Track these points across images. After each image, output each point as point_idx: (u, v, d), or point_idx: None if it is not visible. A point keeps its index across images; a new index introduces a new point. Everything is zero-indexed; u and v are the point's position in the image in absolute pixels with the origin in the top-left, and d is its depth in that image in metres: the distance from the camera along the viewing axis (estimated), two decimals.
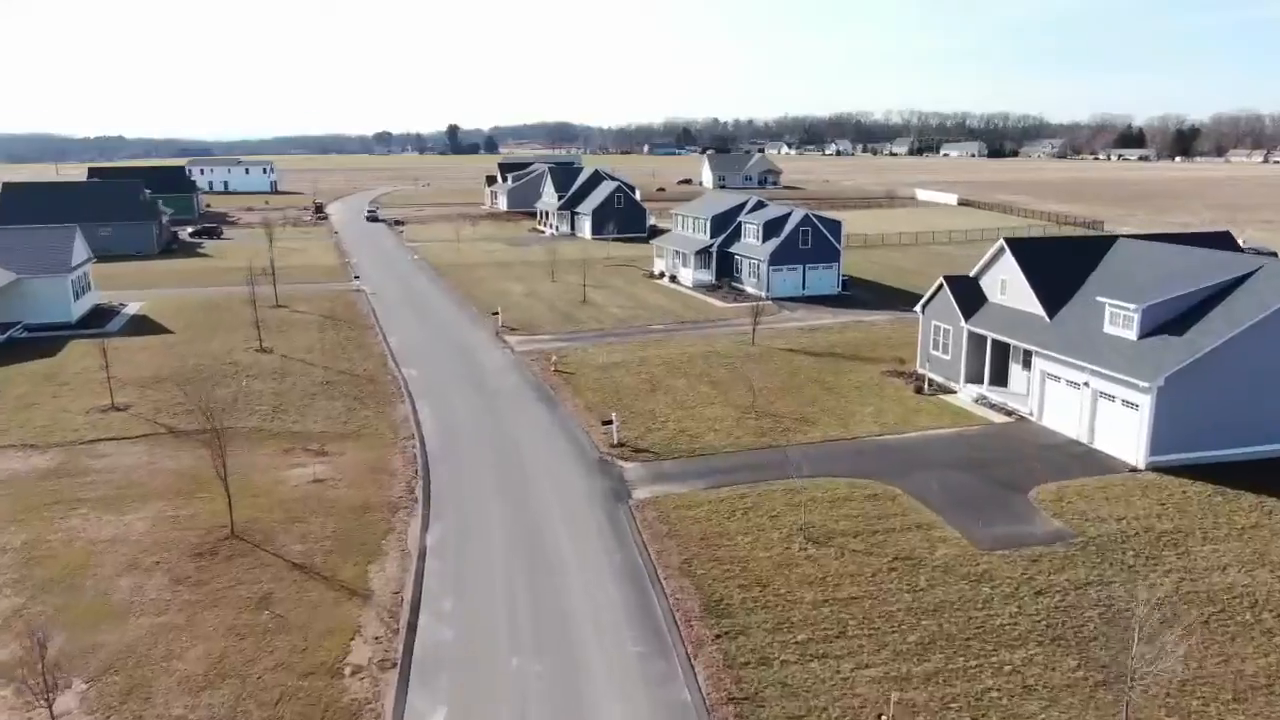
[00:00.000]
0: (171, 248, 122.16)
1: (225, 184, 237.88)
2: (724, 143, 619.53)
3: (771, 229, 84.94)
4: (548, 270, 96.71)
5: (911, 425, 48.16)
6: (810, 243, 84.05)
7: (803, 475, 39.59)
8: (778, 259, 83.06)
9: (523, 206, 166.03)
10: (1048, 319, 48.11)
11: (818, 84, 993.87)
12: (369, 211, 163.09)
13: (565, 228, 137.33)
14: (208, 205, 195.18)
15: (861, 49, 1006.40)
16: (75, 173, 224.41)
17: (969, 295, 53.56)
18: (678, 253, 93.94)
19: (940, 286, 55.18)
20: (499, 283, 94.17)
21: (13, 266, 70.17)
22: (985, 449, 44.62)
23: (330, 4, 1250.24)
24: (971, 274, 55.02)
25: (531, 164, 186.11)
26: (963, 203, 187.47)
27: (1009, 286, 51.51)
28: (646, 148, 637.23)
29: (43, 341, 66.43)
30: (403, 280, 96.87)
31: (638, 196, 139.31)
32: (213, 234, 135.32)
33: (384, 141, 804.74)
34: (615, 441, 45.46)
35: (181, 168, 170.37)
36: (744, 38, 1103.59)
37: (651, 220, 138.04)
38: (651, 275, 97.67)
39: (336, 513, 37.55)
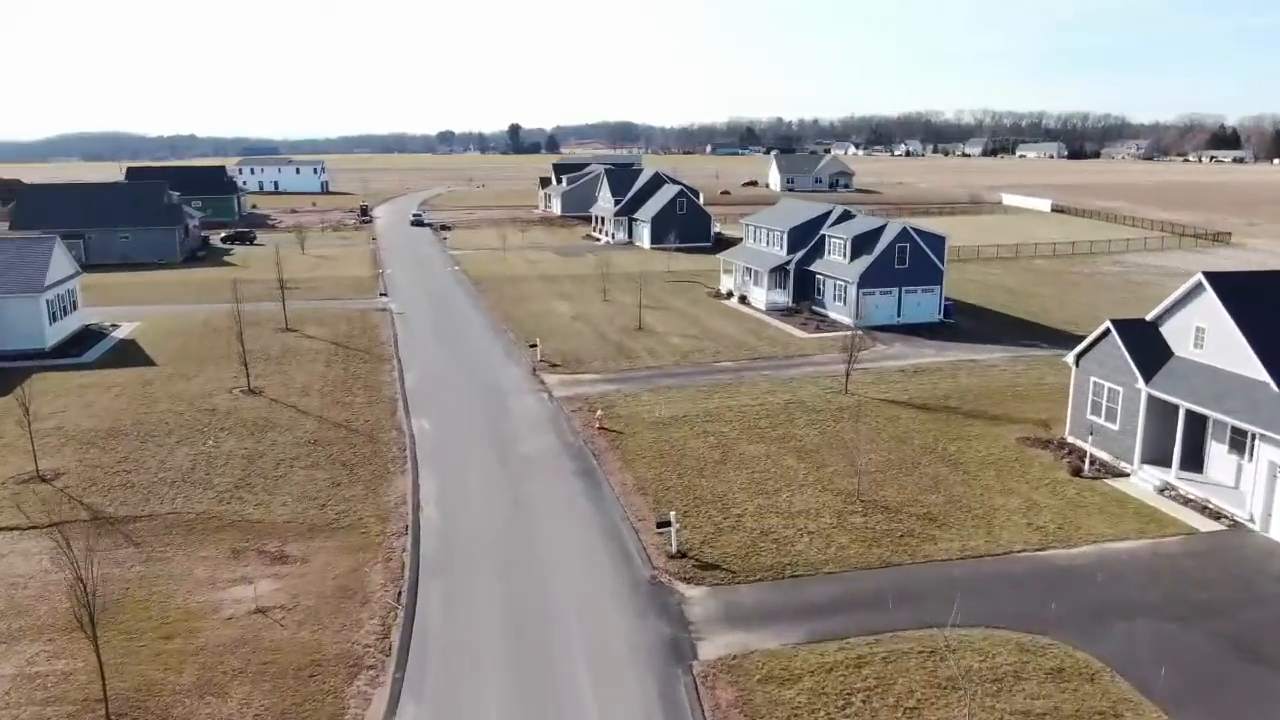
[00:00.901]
0: (198, 255, 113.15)
1: (275, 184, 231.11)
2: (788, 143, 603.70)
3: (862, 245, 71.97)
4: (599, 286, 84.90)
5: (1081, 532, 35.13)
6: (908, 261, 70.92)
7: (949, 626, 26.99)
8: (869, 280, 70.08)
9: (577, 211, 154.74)
10: (1275, 387, 34.71)
11: (885, 83, 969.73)
12: (414, 216, 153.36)
13: (622, 235, 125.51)
14: (254, 206, 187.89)
15: (930, 47, 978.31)
16: (113, 172, 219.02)
17: (1148, 347, 40.26)
18: (749, 270, 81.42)
19: (1106, 333, 41.93)
20: (544, 300, 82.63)
21: None
22: (1202, 579, 31.48)
23: (395, 4, 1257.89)
24: (1149, 317, 41.66)
25: (588, 165, 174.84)
26: (1056, 209, 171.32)
27: (1209, 338, 38.16)
28: (709, 148, 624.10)
29: (3, 374, 56.55)
30: (437, 297, 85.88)
31: (701, 201, 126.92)
32: (245, 239, 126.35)
33: (446, 141, 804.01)
34: (674, 550, 33.32)
35: (222, 168, 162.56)
36: (809, 35, 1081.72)
37: (716, 227, 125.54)
38: (717, 294, 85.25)
39: (271, 676, 26.01)
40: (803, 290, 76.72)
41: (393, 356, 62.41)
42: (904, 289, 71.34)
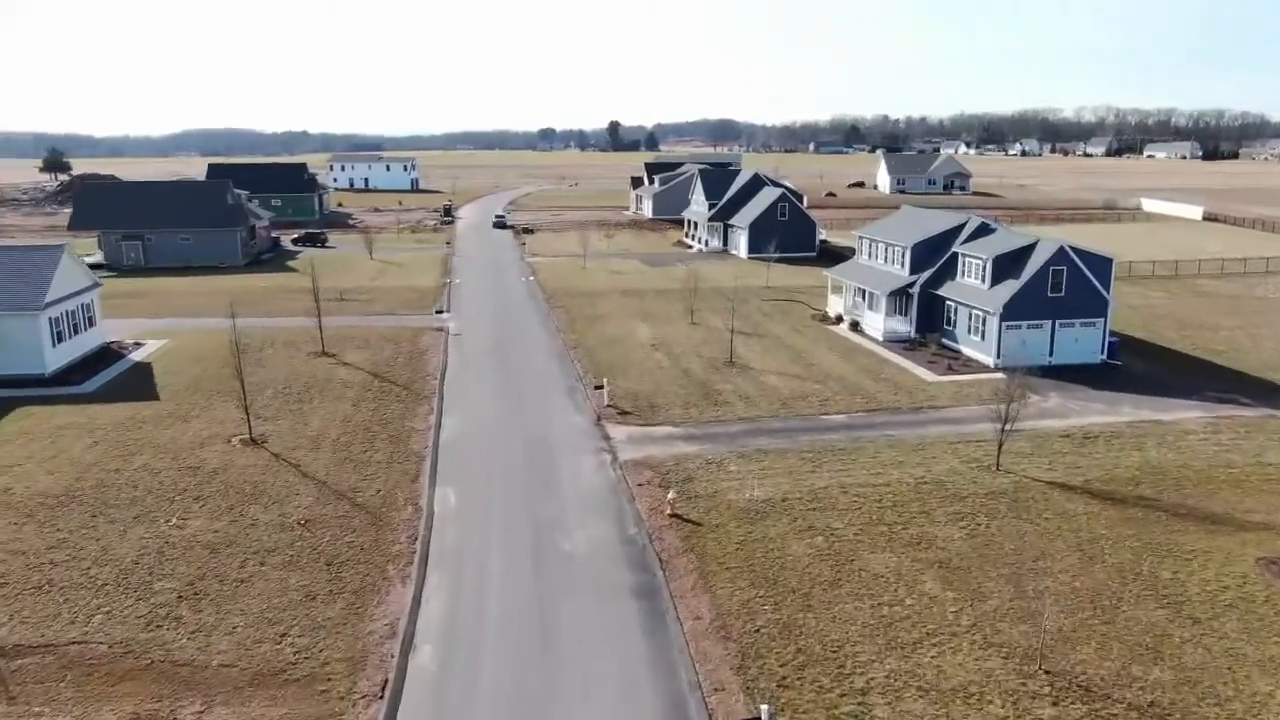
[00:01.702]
0: (262, 258, 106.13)
1: (366, 181, 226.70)
2: (894, 141, 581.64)
3: (1006, 266, 58.89)
4: (687, 305, 73.54)
5: None
6: (1065, 288, 57.53)
7: None
8: (1014, 311, 57.01)
9: (669, 214, 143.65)
10: None
11: (997, 79, 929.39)
12: (497, 217, 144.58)
13: (716, 242, 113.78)
14: (339, 204, 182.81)
15: (1047, 41, 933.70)
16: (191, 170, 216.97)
17: None
18: (863, 291, 68.97)
19: None
20: (622, 321, 71.77)
21: None
22: None
23: (500, 2, 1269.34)
24: None
25: (682, 164, 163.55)
26: (1208, 217, 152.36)
27: None
28: (812, 146, 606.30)
29: None
30: (502, 314, 75.88)
31: (804, 205, 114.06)
32: (316, 241, 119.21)
33: (547, 138, 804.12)
34: None
35: (303, 165, 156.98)
36: (916, 30, 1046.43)
37: (822, 235, 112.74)
38: (824, 318, 72.94)
39: None
40: (928, 318, 63.96)
41: (434, 394, 52.35)
42: (1058, 322, 57.97)
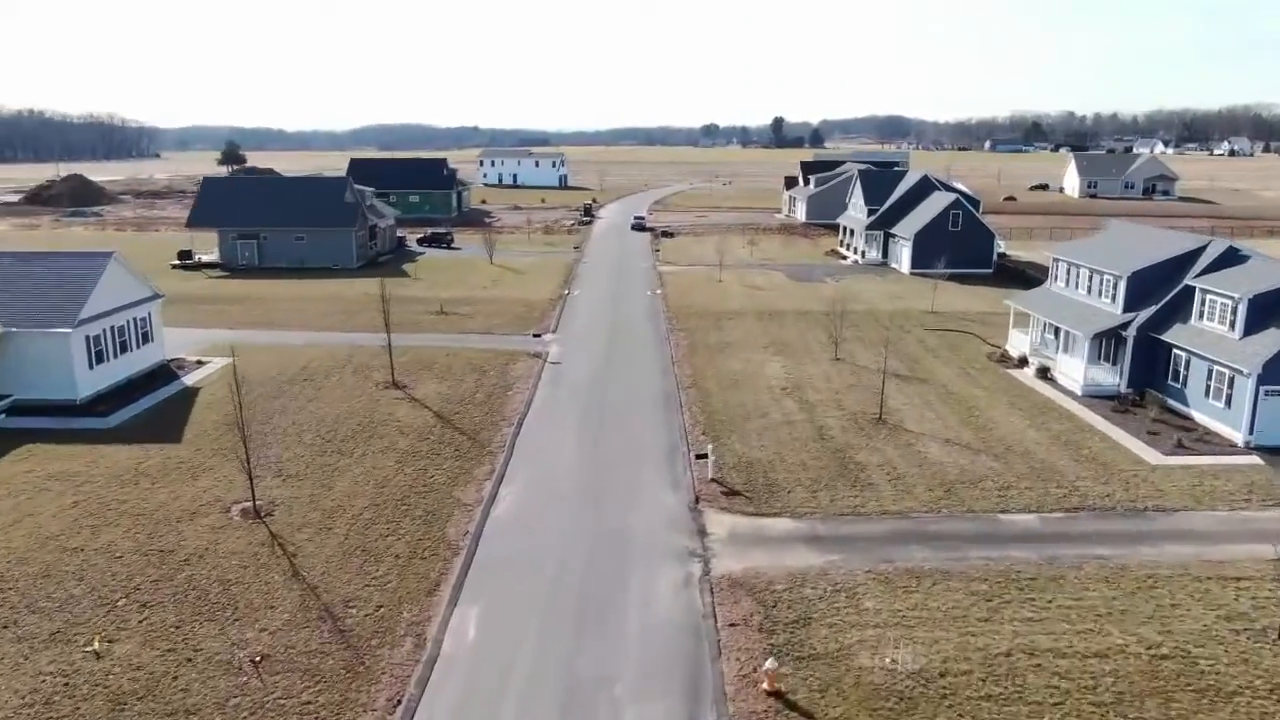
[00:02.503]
0: (380, 260, 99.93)
1: (514, 177, 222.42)
2: (1080, 139, 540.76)
3: (1267, 309, 43.71)
4: (833, 332, 60.87)
5: None
6: None
7: None
8: (1279, 371, 41.95)
9: (825, 218, 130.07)
10: None
11: (1198, 73, 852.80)
12: (636, 219, 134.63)
13: (874, 254, 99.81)
14: (483, 201, 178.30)
15: (1260, 30, 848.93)
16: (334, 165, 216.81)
17: None
18: (1055, 329, 54.71)
19: None
20: (752, 352, 60.01)
21: (3, 312, 46.75)
22: None
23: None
24: None
25: (842, 164, 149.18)
26: None
27: None
28: (987, 143, 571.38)
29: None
30: (614, 337, 65.48)
31: (981, 212, 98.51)
32: (442, 242, 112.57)
33: (710, 134, 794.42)
34: None
35: (442, 160, 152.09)
36: (1104, 20, 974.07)
37: (1000, 246, 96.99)
38: (1003, 357, 58.88)
39: None
40: (1146, 370, 49.22)
41: (502, 449, 42.33)
42: None
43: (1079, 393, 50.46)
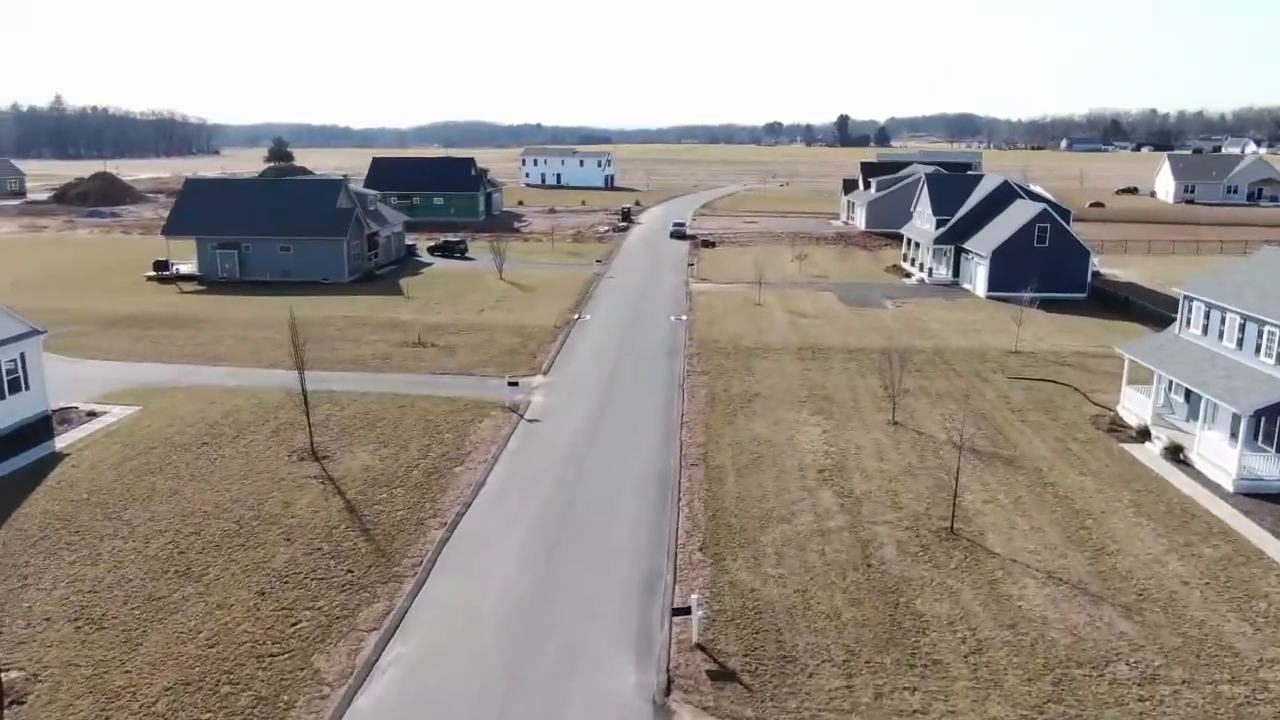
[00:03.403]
0: (378, 273, 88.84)
1: (558, 177, 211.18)
2: (1164, 138, 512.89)
3: None
4: (892, 382, 47.48)
5: None
6: None
7: None
8: None
9: (887, 226, 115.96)
10: None
11: None
12: (676, 225, 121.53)
13: (943, 272, 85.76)
14: (520, 202, 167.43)
15: None
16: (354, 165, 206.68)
17: None
18: (1186, 391, 40.83)
19: None
20: (782, 411, 47.01)
21: None
22: None
23: None
24: None
25: (908, 165, 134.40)
26: None
27: None
28: (1064, 143, 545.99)
29: None
30: (619, 381, 53.01)
31: (1071, 225, 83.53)
32: (454, 251, 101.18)
33: (773, 132, 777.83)
34: None
35: (470, 160, 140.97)
36: (1188, 8, 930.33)
37: (1094, 263, 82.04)
38: (1113, 425, 44.92)
39: None
40: None
41: (415, 570, 30.25)
42: None
43: (1230, 488, 36.63)
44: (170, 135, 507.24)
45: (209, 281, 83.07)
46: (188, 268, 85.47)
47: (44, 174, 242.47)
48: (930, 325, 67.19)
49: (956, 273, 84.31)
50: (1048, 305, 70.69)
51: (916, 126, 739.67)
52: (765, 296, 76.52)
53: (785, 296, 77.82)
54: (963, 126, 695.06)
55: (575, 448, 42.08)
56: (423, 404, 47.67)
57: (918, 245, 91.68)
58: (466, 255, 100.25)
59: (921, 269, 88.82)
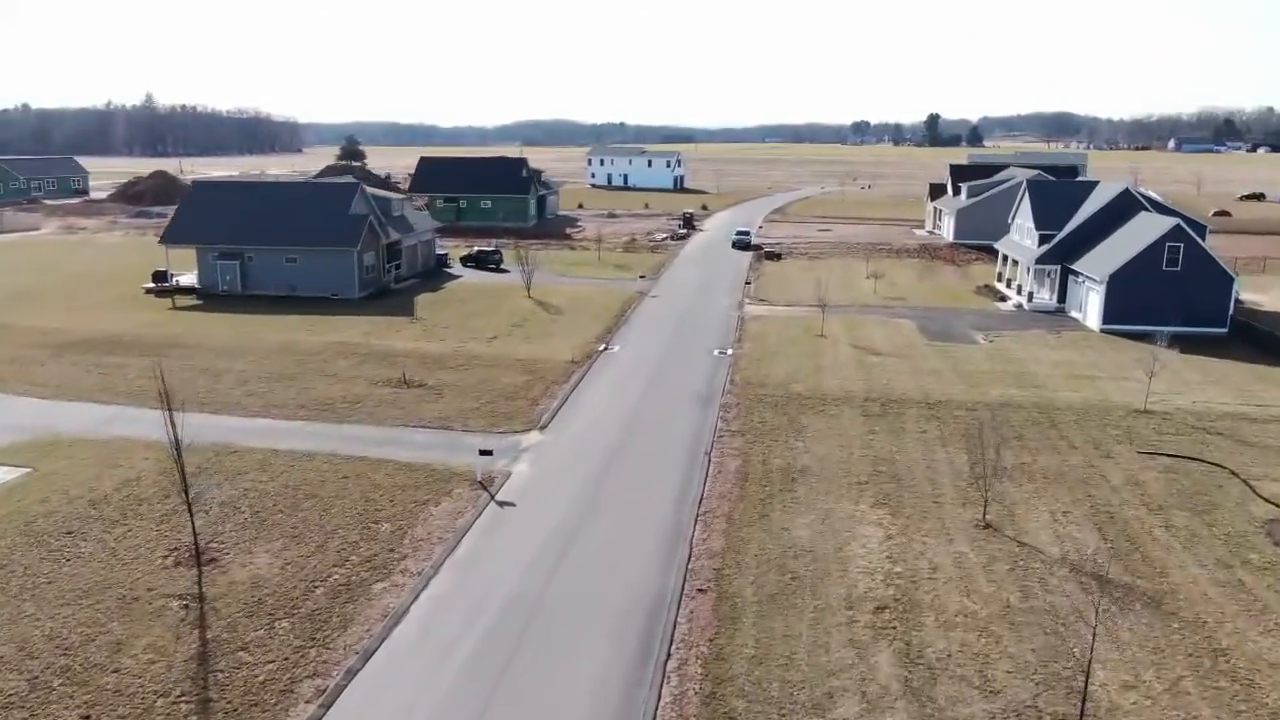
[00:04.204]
0: (395, 286, 79.61)
1: (625, 178, 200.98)
2: None
3: None
4: (983, 458, 35.47)
5: None
6: None
7: None
8: None
9: (979, 238, 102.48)
10: None
11: None
12: (738, 234, 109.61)
13: (1046, 296, 72.49)
14: (579, 205, 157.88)
15: None
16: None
17: None
18: None
19: None
20: (834, 499, 35.48)
21: None
22: None
23: None
24: None
25: (1004, 168, 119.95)
26: None
27: None
28: (1172, 143, 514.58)
29: None
30: (624, 451, 41.95)
31: (1207, 243, 69.17)
32: (487, 262, 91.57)
33: (859, 131, 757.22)
34: None
35: (520, 161, 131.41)
36: None
37: (1235, 291, 67.59)
38: None
39: None
40: None
41: None
42: None
43: None
44: (255, 133, 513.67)
45: (209, 295, 74.92)
46: (188, 279, 77.49)
47: (127, 171, 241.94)
48: (1031, 368, 54.58)
49: (1062, 298, 71.00)
50: (1185, 345, 57.13)
51: (1011, 126, 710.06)
52: (830, 324, 64.73)
53: (854, 325, 65.86)
54: (1060, 126, 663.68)
55: (547, 552, 31.37)
56: (373, 472, 37.59)
57: (1015, 263, 78.42)
58: (501, 267, 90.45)
59: (1019, 292, 75.60)
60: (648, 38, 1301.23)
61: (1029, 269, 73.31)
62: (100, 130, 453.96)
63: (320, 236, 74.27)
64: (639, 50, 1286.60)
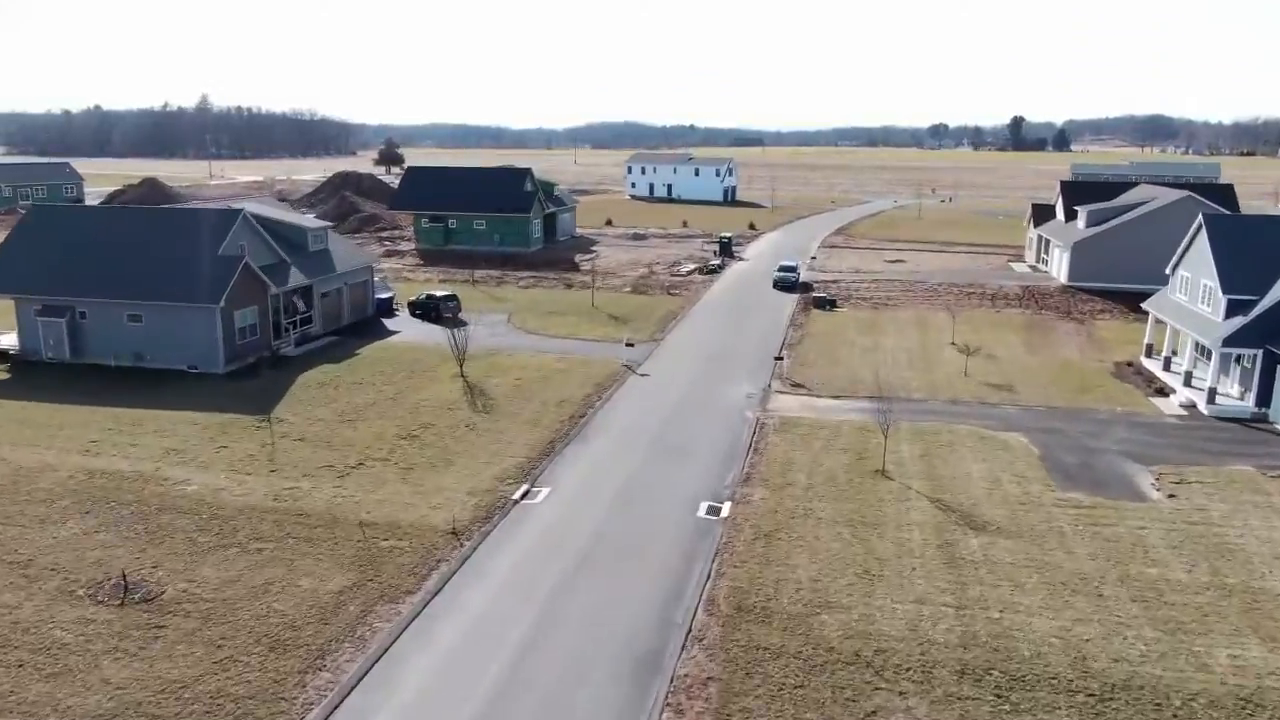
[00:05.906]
0: (284, 354, 57.74)
1: (669, 188, 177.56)
2: None
3: None
4: None
5: None
6: None
7: None
8: None
9: (1103, 280, 76.80)
10: None
11: None
12: (782, 270, 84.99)
13: (1235, 392, 47.30)
14: (608, 222, 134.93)
15: None
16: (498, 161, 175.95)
17: None
18: None
19: None
20: None
21: None
22: None
23: None
24: None
25: (1126, 187, 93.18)
26: None
27: None
28: None
29: None
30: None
31: None
32: (443, 312, 68.80)
33: (937, 134, 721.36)
34: None
35: (524, 173, 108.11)
36: None
37: None
38: None
39: None
40: None
41: None
42: None
43: None
44: (308, 135, 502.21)
45: (29, 364, 54.18)
46: (9, 340, 56.81)
47: (179, 174, 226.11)
48: (1256, 563, 30.08)
49: (1265, 400, 45.78)
50: None
51: (1099, 129, 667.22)
52: (898, 443, 40.80)
53: (935, 446, 41.70)
54: (1154, 129, 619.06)
55: None
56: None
57: (1186, 340, 53.14)
58: (458, 318, 67.93)
59: (1188, 382, 50.34)
60: (720, 38, 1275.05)
61: (1215, 349, 48.08)
62: (155, 131, 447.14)
63: (172, 287, 52.69)
64: (710, 50, 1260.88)
